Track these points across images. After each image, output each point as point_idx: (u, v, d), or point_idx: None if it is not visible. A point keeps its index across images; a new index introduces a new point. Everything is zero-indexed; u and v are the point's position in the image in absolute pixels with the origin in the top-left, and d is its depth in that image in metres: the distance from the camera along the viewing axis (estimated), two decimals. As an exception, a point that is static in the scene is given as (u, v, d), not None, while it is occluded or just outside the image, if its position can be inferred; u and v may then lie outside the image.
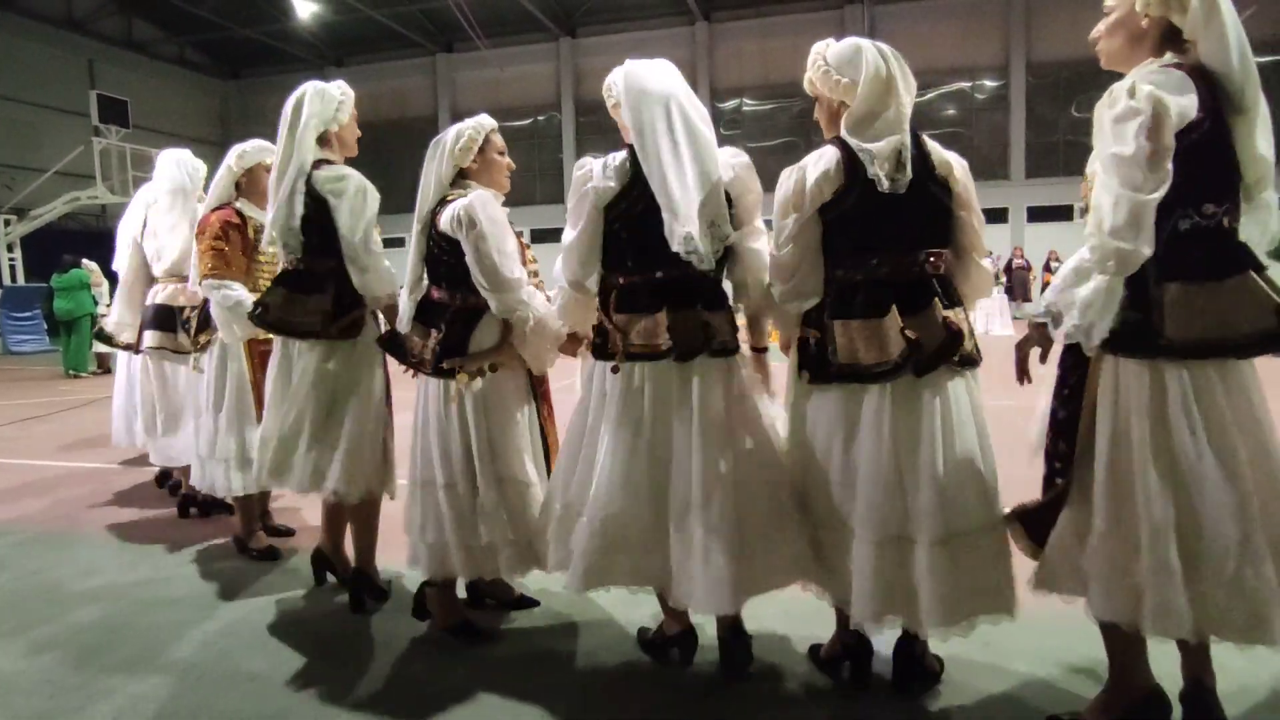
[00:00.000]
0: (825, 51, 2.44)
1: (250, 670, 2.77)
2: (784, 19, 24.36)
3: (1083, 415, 2.05)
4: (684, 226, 2.35)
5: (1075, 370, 2.06)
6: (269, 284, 3.35)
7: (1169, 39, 2.02)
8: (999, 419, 2.40)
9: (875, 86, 2.28)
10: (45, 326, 16.80)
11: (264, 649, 2.93)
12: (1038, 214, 22.31)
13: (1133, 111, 1.85)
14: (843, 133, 2.33)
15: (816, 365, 2.33)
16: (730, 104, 25.20)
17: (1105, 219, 1.87)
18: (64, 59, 22.84)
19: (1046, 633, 2.62)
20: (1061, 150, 22.36)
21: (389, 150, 27.79)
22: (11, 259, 19.12)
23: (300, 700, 2.57)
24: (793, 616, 2.94)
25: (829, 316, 2.32)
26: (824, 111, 2.48)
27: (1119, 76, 2.04)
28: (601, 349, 2.51)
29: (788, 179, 2.38)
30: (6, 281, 18.61)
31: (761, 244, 2.56)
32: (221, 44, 26.87)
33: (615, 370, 2.47)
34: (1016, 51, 22.92)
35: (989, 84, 23.42)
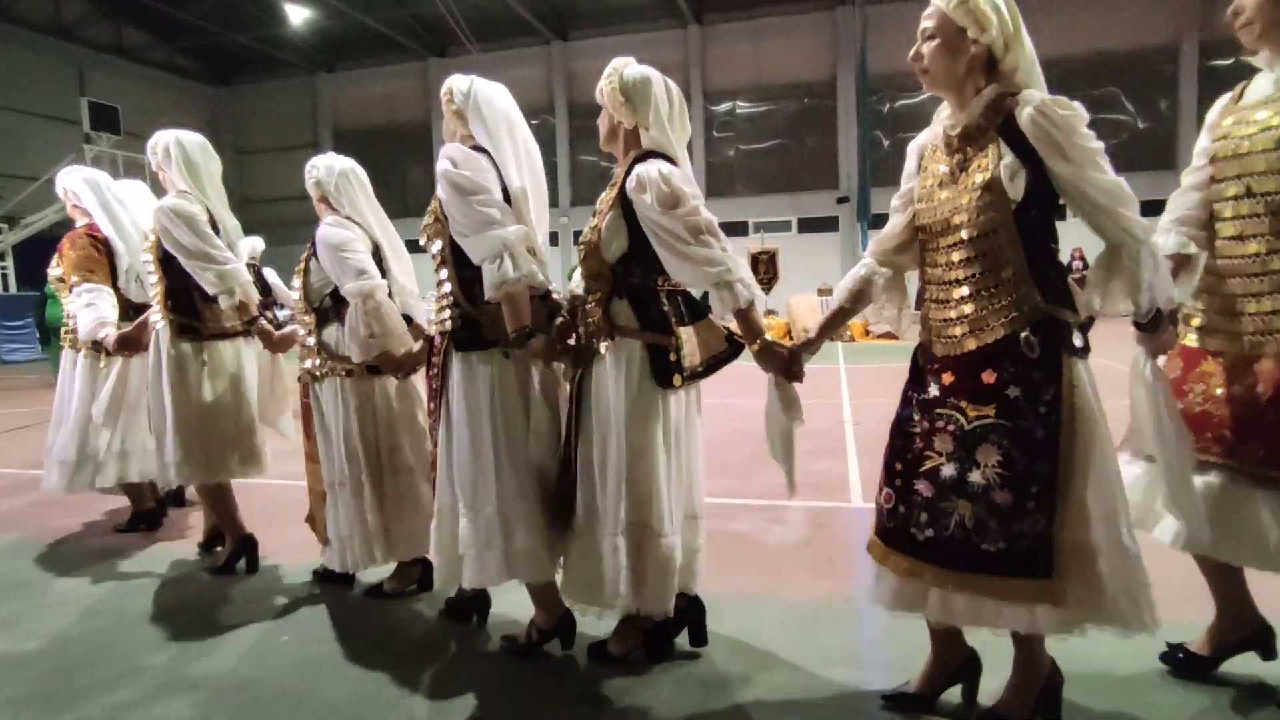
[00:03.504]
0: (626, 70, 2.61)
1: (244, 679, 2.74)
2: (776, 20, 24.39)
3: (1063, 427, 2.01)
4: None
5: (1049, 384, 2.03)
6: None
7: (990, 66, 2.13)
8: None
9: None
10: (37, 335, 16.74)
11: (257, 658, 2.90)
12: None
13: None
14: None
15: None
16: (723, 106, 25.23)
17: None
18: (53, 66, 22.78)
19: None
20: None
21: (381, 155, 27.82)
22: (3, 267, 19.05)
23: (297, 709, 2.55)
24: (795, 621, 2.93)
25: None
26: (621, 130, 2.65)
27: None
28: (476, 338, 2.69)
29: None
30: (-2, 290, 18.55)
31: None
32: (212, 50, 26.82)
33: (506, 356, 2.69)
34: (1008, 51, 23.01)
35: (981, 84, 23.48)
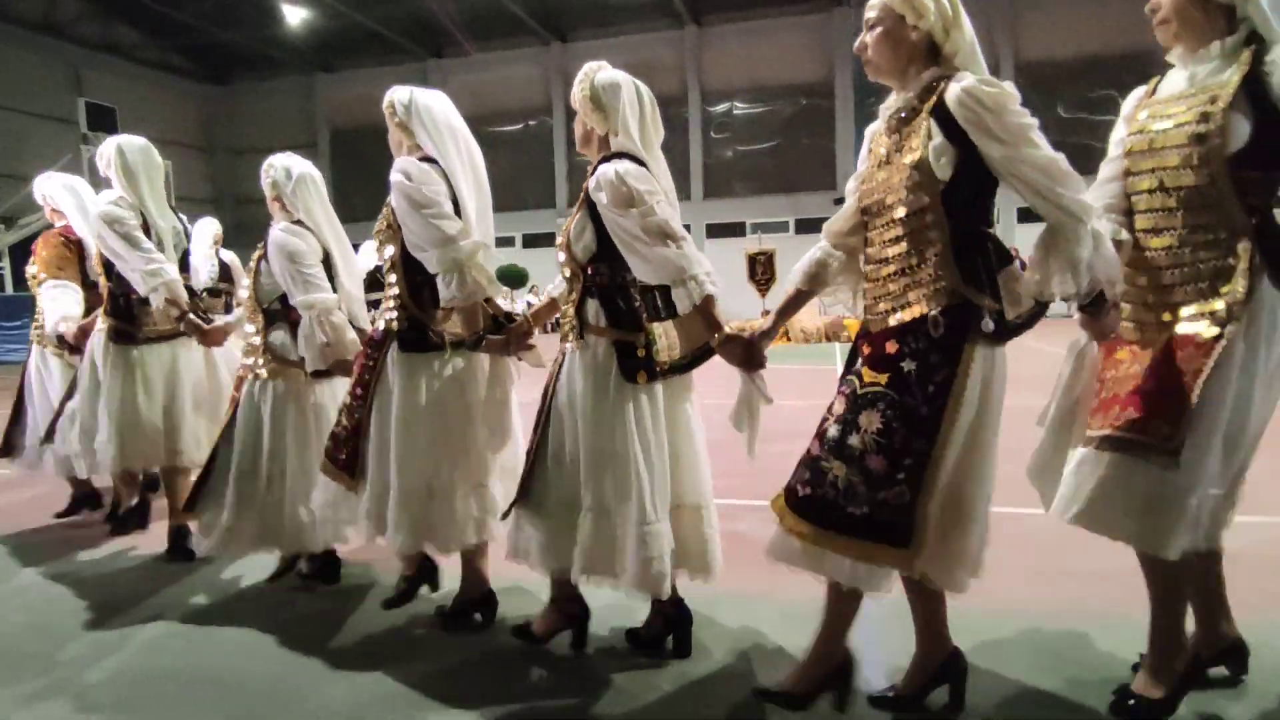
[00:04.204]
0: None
1: (213, 673, 2.74)
2: (772, 22, 24.44)
3: (947, 411, 2.07)
4: None
5: (945, 365, 2.07)
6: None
7: (931, 53, 2.18)
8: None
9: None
10: (34, 335, 16.70)
11: (229, 649, 2.91)
12: (1028, 214, 22.37)
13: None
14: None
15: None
16: (720, 107, 25.27)
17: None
18: (48, 66, 22.76)
19: (1043, 631, 2.62)
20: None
21: (378, 155, 27.78)
22: (0, 268, 19.03)
23: (288, 708, 2.54)
24: (794, 620, 2.93)
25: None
26: (594, 135, 2.70)
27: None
28: (420, 340, 2.89)
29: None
30: (-6, 290, 18.54)
31: None
32: (208, 50, 26.80)
33: (447, 358, 2.92)
34: (1004, 52, 23.04)
35: (977, 85, 23.51)
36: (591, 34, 25.56)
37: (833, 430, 2.18)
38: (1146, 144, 2.23)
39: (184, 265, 4.06)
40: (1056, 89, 22.12)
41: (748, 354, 2.41)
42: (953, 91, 2.04)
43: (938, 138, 2.07)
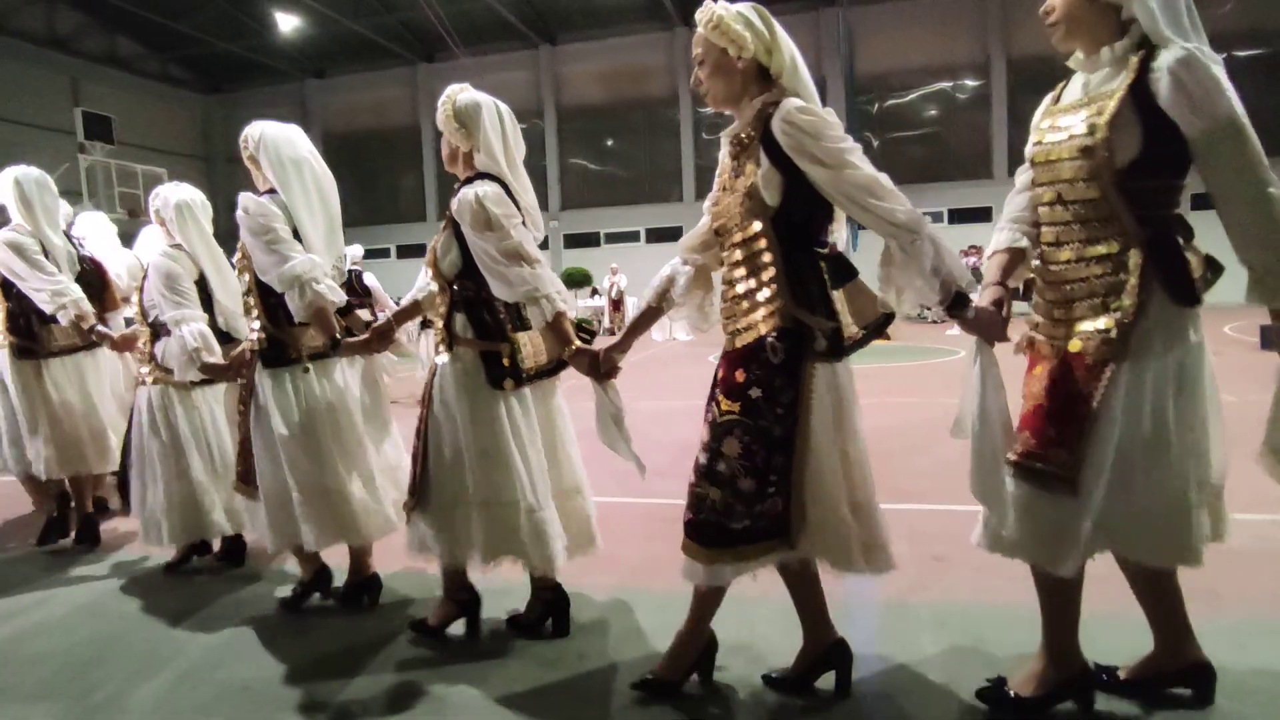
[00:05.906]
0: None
1: (243, 679, 2.75)
2: (764, 23, 24.42)
3: (799, 425, 2.20)
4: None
5: (789, 387, 2.19)
6: None
7: (762, 76, 2.26)
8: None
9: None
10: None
11: (254, 657, 2.91)
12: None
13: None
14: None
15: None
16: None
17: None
18: (47, 76, 22.70)
19: (1035, 631, 2.63)
20: (1042, 147, 22.43)
21: (370, 161, 27.78)
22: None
23: (295, 710, 2.56)
24: (790, 620, 2.94)
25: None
26: (459, 153, 2.88)
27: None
28: (280, 356, 3.16)
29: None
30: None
31: None
32: (203, 59, 26.81)
33: (306, 370, 3.20)
34: (996, 50, 23.09)
35: (969, 83, 23.56)
36: (581, 37, 25.57)
37: (703, 459, 2.30)
38: (1044, 156, 2.19)
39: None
40: (1048, 86, 22.10)
41: (594, 365, 2.55)
42: (775, 120, 2.11)
43: (765, 164, 2.16)
